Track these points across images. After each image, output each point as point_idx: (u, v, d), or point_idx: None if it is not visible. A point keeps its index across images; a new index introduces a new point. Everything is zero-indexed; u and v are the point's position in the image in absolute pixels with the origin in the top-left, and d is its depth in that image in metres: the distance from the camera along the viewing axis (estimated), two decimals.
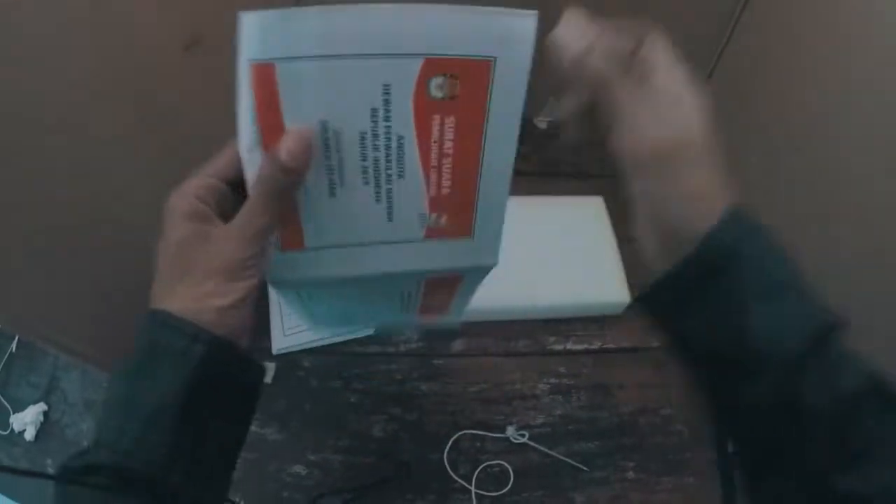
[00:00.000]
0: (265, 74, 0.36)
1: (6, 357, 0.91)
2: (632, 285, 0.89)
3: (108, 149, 0.65)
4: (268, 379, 0.85)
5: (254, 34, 0.35)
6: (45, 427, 0.86)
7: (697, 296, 0.37)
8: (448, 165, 0.43)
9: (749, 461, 0.40)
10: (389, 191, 0.42)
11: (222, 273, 0.38)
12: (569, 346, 0.89)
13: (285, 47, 0.35)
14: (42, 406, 0.86)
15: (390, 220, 0.44)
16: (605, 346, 0.89)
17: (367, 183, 0.42)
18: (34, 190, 0.58)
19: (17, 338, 0.90)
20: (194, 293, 0.38)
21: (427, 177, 0.43)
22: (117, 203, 0.68)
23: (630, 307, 0.89)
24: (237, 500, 0.79)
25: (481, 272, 0.53)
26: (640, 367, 0.88)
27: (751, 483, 0.40)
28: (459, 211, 0.46)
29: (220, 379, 0.39)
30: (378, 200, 0.43)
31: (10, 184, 0.55)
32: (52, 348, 0.68)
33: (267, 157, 0.38)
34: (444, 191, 0.44)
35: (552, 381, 0.86)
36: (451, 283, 0.55)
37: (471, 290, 0.58)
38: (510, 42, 0.39)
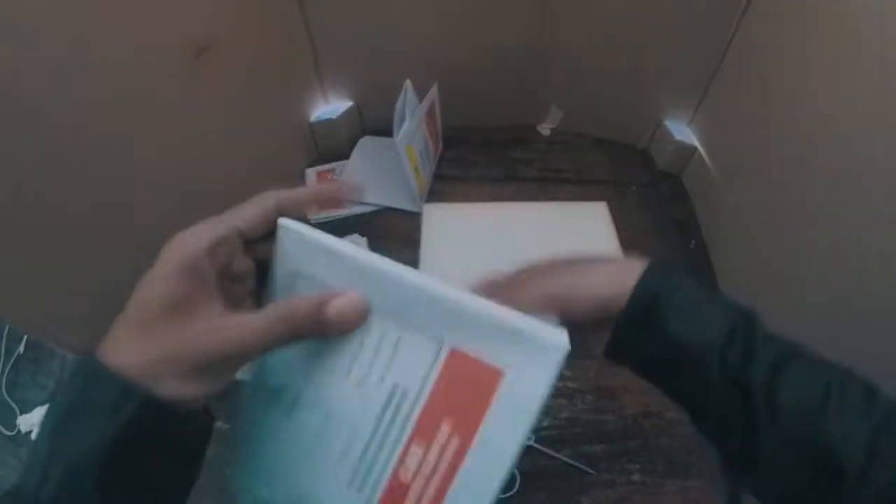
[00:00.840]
0: None
1: (14, 358, 0.91)
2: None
3: (115, 151, 0.66)
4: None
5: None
6: None
7: (636, 335, 0.46)
8: (424, 460, 0.37)
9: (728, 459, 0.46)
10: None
11: (198, 358, 0.35)
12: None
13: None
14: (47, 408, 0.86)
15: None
16: None
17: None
18: (41, 189, 0.58)
19: (25, 339, 0.91)
20: (155, 358, 0.35)
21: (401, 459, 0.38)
22: (125, 205, 0.69)
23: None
24: None
25: None
26: None
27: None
28: None
29: (154, 438, 0.35)
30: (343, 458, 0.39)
31: (18, 184, 0.56)
32: (61, 348, 0.68)
33: (314, 302, 0.37)
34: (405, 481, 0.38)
35: (557, 384, 0.85)
36: None
37: None
38: (530, 358, 0.35)
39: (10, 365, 0.90)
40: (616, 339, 0.47)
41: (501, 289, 0.52)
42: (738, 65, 0.87)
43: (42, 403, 0.88)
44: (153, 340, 0.35)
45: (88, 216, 0.65)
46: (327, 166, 1.07)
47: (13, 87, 0.53)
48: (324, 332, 0.38)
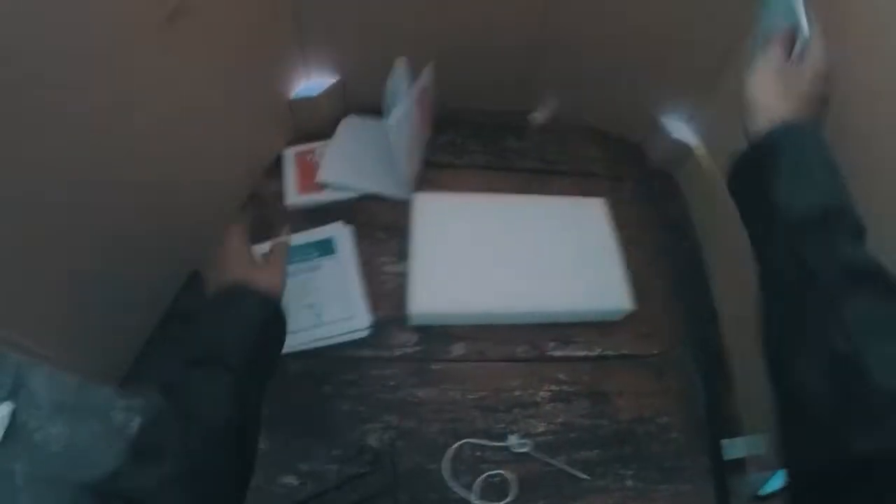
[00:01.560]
0: None
1: None
2: (633, 289, 0.87)
3: (82, 131, 0.59)
4: None
5: None
6: (11, 430, 0.78)
7: (751, 174, 0.53)
8: None
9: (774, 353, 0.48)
10: None
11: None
12: (568, 352, 0.87)
13: None
14: (8, 406, 0.78)
15: None
16: (604, 353, 0.87)
17: None
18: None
19: None
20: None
21: None
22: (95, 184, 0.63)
23: (630, 315, 0.87)
24: None
25: None
26: (639, 375, 0.86)
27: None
28: None
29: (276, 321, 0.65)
30: None
31: None
32: (14, 352, 0.62)
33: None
34: None
35: (553, 388, 0.83)
36: None
37: None
38: None
39: None
40: (731, 175, 0.56)
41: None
42: (742, 64, 0.84)
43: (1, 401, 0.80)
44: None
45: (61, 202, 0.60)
46: (307, 146, 0.99)
47: None
48: None
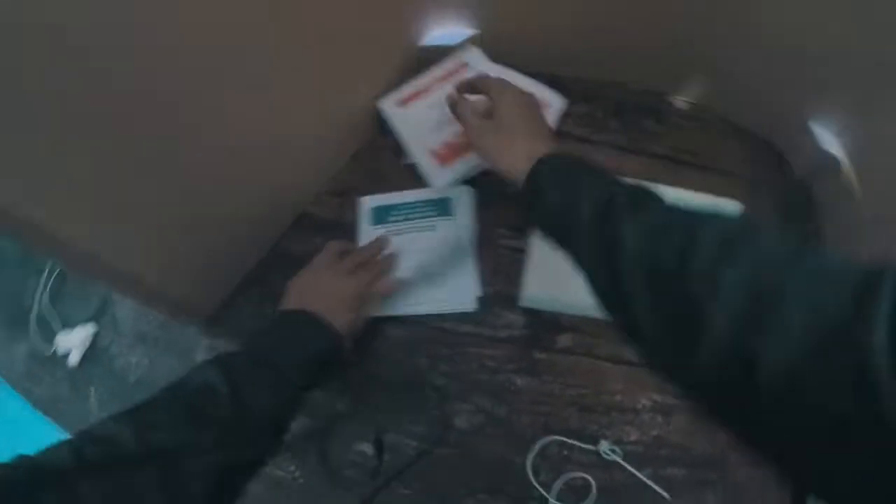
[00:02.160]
0: None
1: (59, 270, 0.80)
2: None
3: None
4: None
5: None
6: (91, 352, 0.76)
7: (531, 210, 0.60)
8: None
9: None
10: None
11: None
12: None
13: None
14: (91, 327, 0.76)
15: None
16: None
17: None
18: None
19: None
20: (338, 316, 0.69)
21: None
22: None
23: None
24: (293, 469, 0.72)
25: None
26: None
27: None
28: None
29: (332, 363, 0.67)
30: None
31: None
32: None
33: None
34: None
35: (655, 397, 0.79)
36: None
37: None
38: None
39: (54, 275, 0.79)
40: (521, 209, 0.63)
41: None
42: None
43: (85, 322, 0.78)
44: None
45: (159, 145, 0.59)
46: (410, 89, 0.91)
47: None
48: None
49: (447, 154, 0.85)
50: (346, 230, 0.84)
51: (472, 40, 0.90)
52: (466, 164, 0.84)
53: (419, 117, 0.87)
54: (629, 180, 0.53)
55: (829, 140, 0.89)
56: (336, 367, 0.69)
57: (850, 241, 0.86)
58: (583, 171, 0.57)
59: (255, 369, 0.59)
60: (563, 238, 0.56)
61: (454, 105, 0.74)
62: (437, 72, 0.90)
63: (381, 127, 0.90)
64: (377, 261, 0.79)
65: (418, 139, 0.86)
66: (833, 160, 0.89)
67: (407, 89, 0.90)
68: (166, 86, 0.54)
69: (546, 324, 0.81)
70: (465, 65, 0.89)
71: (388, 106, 0.89)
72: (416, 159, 0.86)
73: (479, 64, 0.89)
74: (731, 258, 0.38)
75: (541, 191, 0.57)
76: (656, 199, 0.50)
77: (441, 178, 0.84)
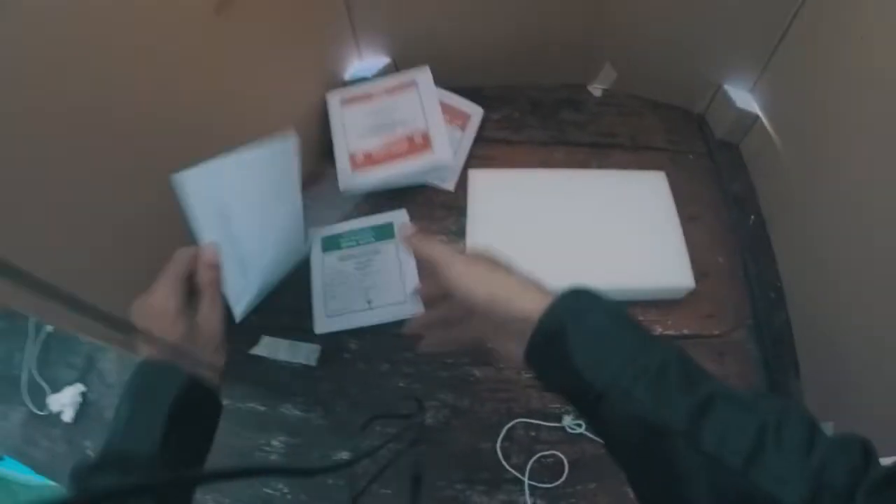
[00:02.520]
0: None
1: (45, 336, 0.88)
2: (695, 267, 0.84)
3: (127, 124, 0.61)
4: (312, 361, 0.82)
5: None
6: (84, 408, 0.83)
7: (544, 367, 0.48)
8: None
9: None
10: None
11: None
12: None
13: None
14: (80, 387, 0.83)
15: None
16: (664, 333, 0.85)
17: None
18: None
19: None
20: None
21: None
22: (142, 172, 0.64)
23: (691, 294, 0.85)
24: (281, 486, 0.77)
25: None
26: (699, 356, 0.82)
27: None
28: None
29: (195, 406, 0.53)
30: None
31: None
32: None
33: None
34: None
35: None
36: None
37: None
38: None
39: (40, 343, 0.87)
40: (529, 364, 0.49)
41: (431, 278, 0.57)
42: (808, 28, 0.79)
43: (72, 383, 0.85)
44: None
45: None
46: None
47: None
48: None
49: (363, 162, 0.92)
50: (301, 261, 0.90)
51: (386, 69, 0.97)
52: (375, 176, 0.91)
53: (354, 119, 0.94)
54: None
55: (745, 98, 0.94)
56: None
57: (782, 192, 0.89)
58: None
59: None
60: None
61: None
62: (387, 82, 0.96)
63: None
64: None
65: (344, 140, 0.94)
66: (751, 117, 0.93)
67: (355, 91, 0.96)
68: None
69: None
70: (413, 83, 0.95)
71: (333, 100, 0.96)
72: (336, 156, 0.93)
73: (425, 85, 0.95)
74: None
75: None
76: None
77: (349, 182, 0.91)
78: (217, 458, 0.55)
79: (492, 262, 0.55)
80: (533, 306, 0.48)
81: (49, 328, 0.87)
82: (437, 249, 0.56)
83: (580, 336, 0.44)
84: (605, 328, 0.45)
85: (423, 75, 0.95)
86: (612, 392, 0.42)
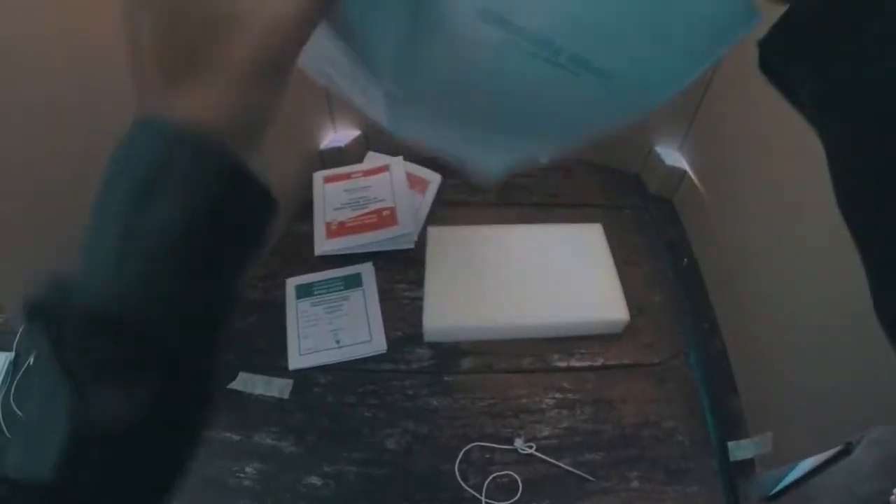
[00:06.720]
0: None
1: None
2: (630, 306, 0.94)
3: None
4: (285, 395, 0.89)
5: None
6: None
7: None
8: None
9: None
10: None
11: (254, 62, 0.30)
12: (572, 363, 0.93)
13: None
14: None
15: None
16: (606, 363, 0.93)
17: None
18: None
19: None
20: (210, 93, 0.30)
21: None
22: None
23: (627, 327, 0.94)
24: None
25: None
26: (641, 383, 0.91)
27: None
28: None
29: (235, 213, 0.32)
30: None
31: None
32: None
33: None
34: None
35: (557, 395, 0.90)
36: None
37: None
38: None
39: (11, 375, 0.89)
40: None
41: None
42: (724, 90, 0.92)
43: None
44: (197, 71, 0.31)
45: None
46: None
47: None
48: None
49: (336, 231, 1.05)
50: (276, 306, 0.99)
51: (357, 140, 1.11)
52: (345, 243, 1.04)
53: (332, 195, 1.09)
54: None
55: (674, 157, 1.07)
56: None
57: (712, 239, 1.00)
58: None
59: None
60: None
61: None
62: (364, 165, 1.14)
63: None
64: None
65: (322, 211, 1.07)
66: (679, 173, 1.05)
67: (337, 171, 1.12)
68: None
69: (449, 352, 0.94)
70: (386, 166, 1.11)
71: (317, 177, 1.11)
72: (314, 224, 1.06)
73: (397, 170, 1.11)
74: None
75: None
76: None
77: (323, 247, 1.04)
78: (188, 485, 0.46)
79: None
80: None
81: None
82: None
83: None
84: None
85: (396, 163, 1.12)
86: None
